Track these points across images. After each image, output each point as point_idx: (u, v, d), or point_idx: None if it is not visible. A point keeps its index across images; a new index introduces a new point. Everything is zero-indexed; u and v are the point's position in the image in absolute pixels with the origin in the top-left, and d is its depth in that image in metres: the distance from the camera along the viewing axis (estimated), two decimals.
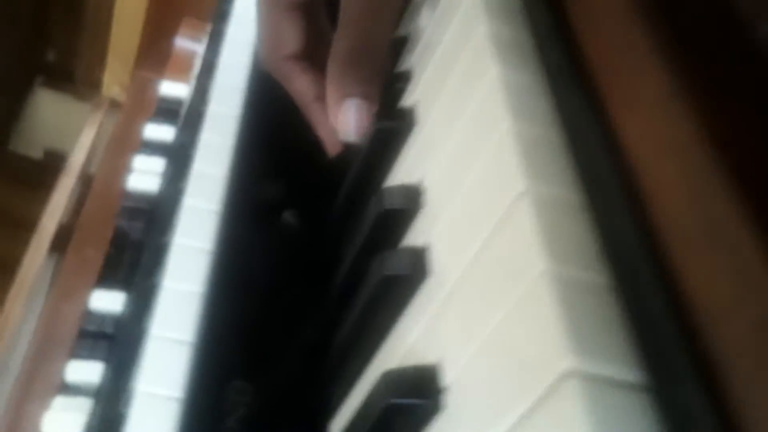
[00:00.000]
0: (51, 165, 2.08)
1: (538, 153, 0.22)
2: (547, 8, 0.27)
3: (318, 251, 0.36)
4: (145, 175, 0.53)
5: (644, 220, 0.19)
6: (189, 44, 0.70)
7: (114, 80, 0.84)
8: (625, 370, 0.17)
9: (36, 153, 2.11)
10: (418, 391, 0.23)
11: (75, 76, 1.73)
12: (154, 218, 0.46)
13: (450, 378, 0.22)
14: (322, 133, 0.38)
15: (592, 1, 0.24)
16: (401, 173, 0.31)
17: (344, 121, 0.34)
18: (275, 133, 0.41)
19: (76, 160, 0.65)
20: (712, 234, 0.17)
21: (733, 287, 0.16)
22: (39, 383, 0.48)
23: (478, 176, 0.24)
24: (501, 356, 0.20)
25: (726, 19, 0.21)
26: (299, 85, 0.39)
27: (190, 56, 0.69)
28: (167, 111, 0.59)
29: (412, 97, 0.33)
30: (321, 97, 0.37)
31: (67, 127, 2.08)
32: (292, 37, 0.38)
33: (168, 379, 0.31)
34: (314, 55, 0.39)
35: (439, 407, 0.22)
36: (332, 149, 0.38)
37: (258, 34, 0.40)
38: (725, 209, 0.17)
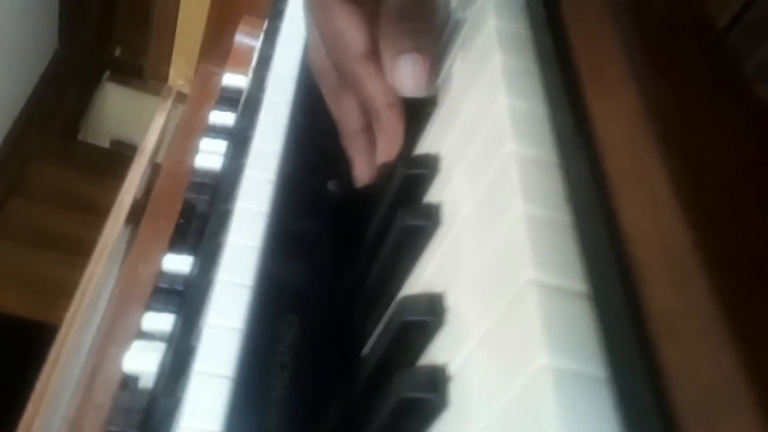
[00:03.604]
0: (117, 153, 2.21)
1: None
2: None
3: (357, 213, 0.42)
4: (210, 155, 0.61)
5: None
6: (248, 40, 0.77)
7: (179, 74, 0.92)
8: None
9: (103, 142, 2.25)
10: (428, 310, 0.29)
11: (141, 70, 1.84)
12: (219, 189, 0.53)
13: (451, 301, 0.28)
14: (386, 139, 0.37)
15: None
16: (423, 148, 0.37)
17: (401, 76, 0.34)
18: (323, 115, 0.47)
19: (148, 144, 0.73)
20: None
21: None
22: (119, 331, 0.55)
23: (478, 149, 0.30)
24: (487, 282, 0.26)
25: None
26: (373, 89, 0.36)
27: (248, 51, 0.76)
28: (229, 99, 0.66)
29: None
30: (396, 104, 0.36)
31: (132, 118, 2.21)
32: (356, 34, 0.35)
33: (232, 313, 0.38)
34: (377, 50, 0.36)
35: (443, 323, 0.28)
36: (388, 157, 0.38)
37: (311, 36, 0.39)
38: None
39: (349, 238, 0.41)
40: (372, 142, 0.39)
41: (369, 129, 0.39)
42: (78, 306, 0.61)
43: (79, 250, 1.88)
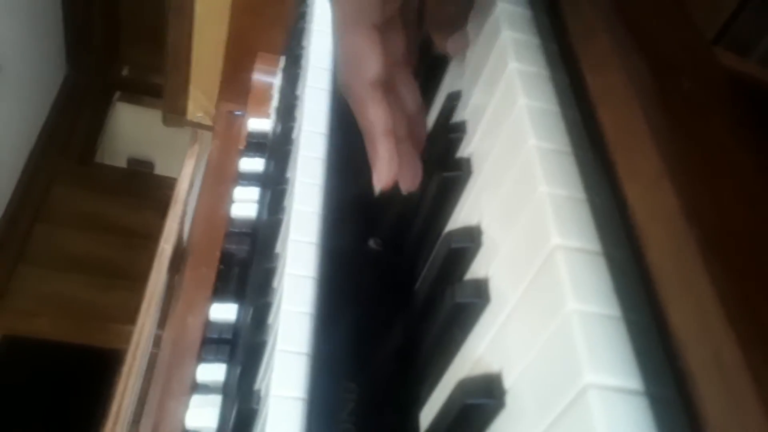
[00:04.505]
0: (135, 171, 2.24)
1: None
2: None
3: (399, 270, 0.44)
4: (244, 203, 0.63)
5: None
6: (264, 77, 0.79)
7: (197, 107, 0.94)
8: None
9: (120, 162, 2.28)
10: (487, 392, 0.31)
11: (150, 88, 1.86)
12: (260, 245, 0.55)
13: (508, 383, 0.30)
14: (380, 166, 0.39)
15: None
16: (462, 215, 0.39)
17: (449, 48, 0.43)
18: (359, 166, 0.48)
19: (181, 191, 0.75)
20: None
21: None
22: (176, 383, 0.58)
23: (521, 227, 0.32)
24: (544, 375, 0.28)
25: None
26: (374, 114, 0.38)
27: (266, 88, 0.78)
28: (256, 144, 0.68)
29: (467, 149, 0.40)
30: (391, 132, 0.38)
31: (146, 136, 2.23)
32: (373, 60, 0.37)
33: (293, 383, 0.40)
34: (391, 78, 0.39)
35: (502, 405, 0.30)
36: (380, 184, 0.39)
37: (336, 57, 0.40)
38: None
39: (394, 297, 0.43)
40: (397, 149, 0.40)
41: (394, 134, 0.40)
42: (132, 360, 0.64)
43: (107, 272, 1.93)
